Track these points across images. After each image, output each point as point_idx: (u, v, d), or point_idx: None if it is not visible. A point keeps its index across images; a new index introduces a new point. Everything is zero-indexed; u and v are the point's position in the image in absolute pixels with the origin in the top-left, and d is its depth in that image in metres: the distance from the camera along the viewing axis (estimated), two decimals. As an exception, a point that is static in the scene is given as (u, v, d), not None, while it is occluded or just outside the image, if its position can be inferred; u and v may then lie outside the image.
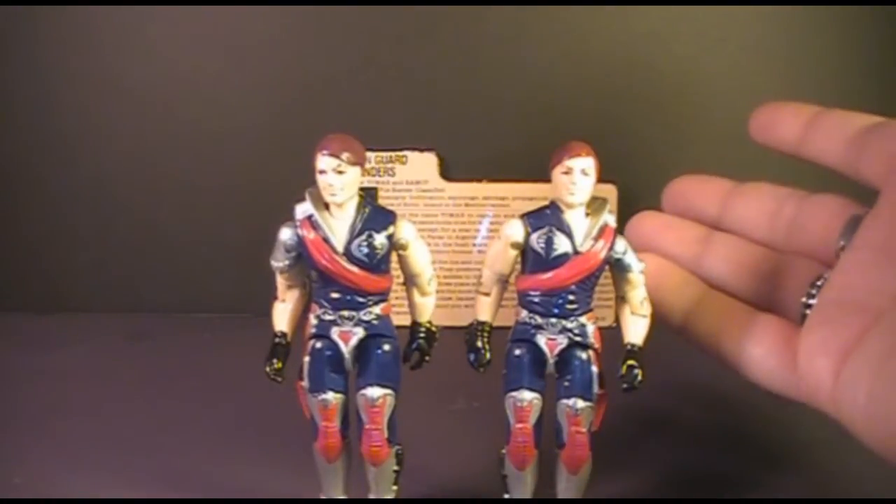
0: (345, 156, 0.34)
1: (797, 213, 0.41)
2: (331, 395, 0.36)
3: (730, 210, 0.43)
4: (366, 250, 0.35)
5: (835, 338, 0.33)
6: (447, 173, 0.63)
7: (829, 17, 0.61)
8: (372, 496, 0.38)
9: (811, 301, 0.36)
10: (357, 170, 0.35)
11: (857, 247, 0.35)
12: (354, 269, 0.35)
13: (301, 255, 0.36)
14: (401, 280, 0.38)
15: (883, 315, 0.32)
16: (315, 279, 0.36)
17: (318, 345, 0.36)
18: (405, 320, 0.38)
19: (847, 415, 0.32)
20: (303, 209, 0.36)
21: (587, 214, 0.36)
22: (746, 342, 0.38)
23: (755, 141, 0.42)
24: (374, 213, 0.36)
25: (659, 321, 0.41)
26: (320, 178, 0.35)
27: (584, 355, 0.36)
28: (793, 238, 0.41)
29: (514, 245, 0.36)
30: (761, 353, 0.37)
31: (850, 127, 0.38)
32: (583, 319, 0.36)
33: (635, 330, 0.37)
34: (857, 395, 0.31)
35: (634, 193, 0.61)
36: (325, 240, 0.35)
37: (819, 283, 0.36)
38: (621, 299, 0.38)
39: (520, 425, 0.36)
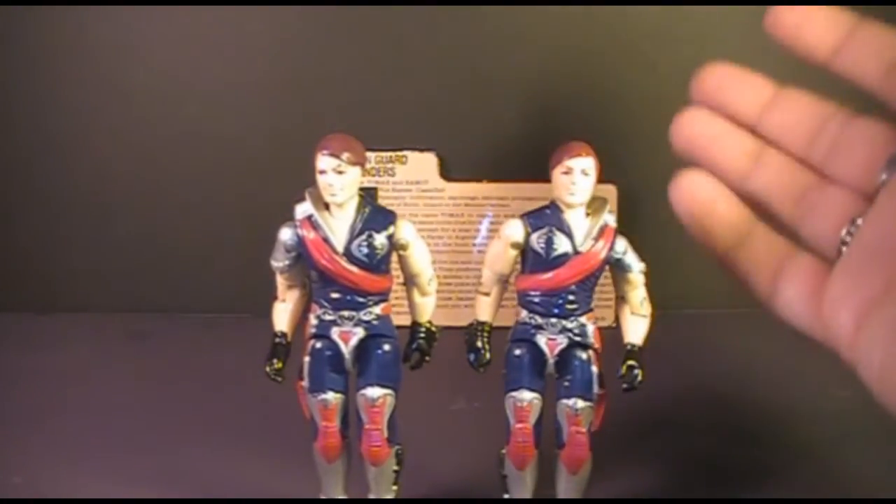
0: (345, 156, 0.34)
1: (839, 135, 0.38)
2: (331, 395, 0.36)
3: (769, 117, 0.41)
4: (366, 250, 0.35)
5: (859, 289, 0.32)
6: (447, 173, 0.63)
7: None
8: (372, 496, 0.38)
9: (847, 239, 0.35)
10: (357, 170, 0.35)
11: (895, 187, 0.33)
12: (354, 269, 0.35)
13: (301, 255, 0.36)
14: (401, 280, 0.38)
15: None
16: (315, 279, 0.36)
17: (319, 345, 0.36)
18: (405, 320, 0.38)
19: (863, 372, 0.31)
20: (303, 209, 0.36)
21: (587, 214, 0.36)
22: (781, 283, 0.37)
23: (774, 39, 0.39)
24: (374, 214, 0.36)
25: (701, 247, 0.39)
26: (320, 178, 0.35)
27: (584, 355, 0.36)
28: (832, 161, 0.38)
29: (514, 245, 0.36)
30: (792, 296, 0.36)
31: (893, 48, 0.36)
32: (583, 319, 0.36)
33: (635, 330, 0.37)
34: (873, 356, 0.31)
35: (634, 193, 0.61)
36: (325, 240, 0.35)
37: (858, 221, 0.35)
38: (621, 299, 0.38)
39: (520, 425, 0.36)
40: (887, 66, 0.36)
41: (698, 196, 0.40)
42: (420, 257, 0.37)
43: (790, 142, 0.40)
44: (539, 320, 0.36)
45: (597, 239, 0.36)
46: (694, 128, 0.41)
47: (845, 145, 0.38)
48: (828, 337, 0.34)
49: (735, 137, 0.41)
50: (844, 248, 0.35)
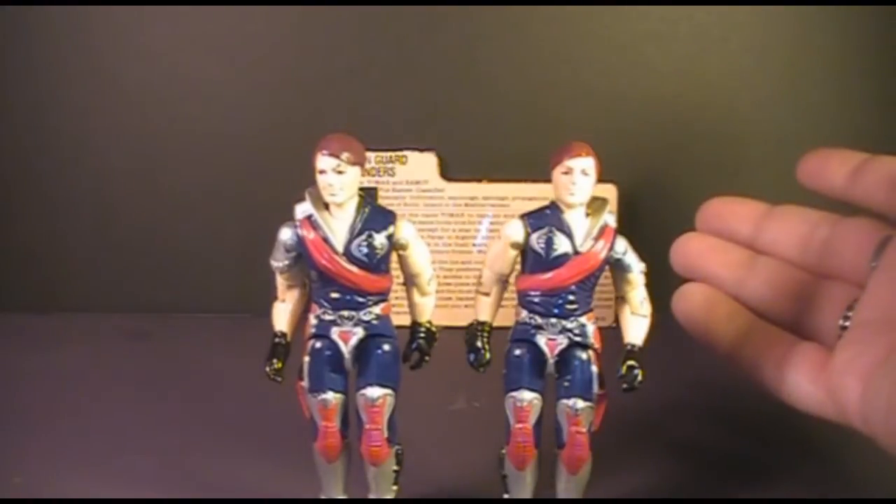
0: (344, 156, 0.34)
1: (830, 236, 0.42)
2: (330, 395, 0.36)
3: (763, 232, 0.45)
4: (365, 250, 0.35)
5: (862, 356, 0.34)
6: (447, 173, 0.63)
7: (829, 17, 0.61)
8: (372, 496, 0.38)
9: (846, 324, 0.37)
10: (357, 170, 0.35)
11: (885, 267, 0.36)
12: (354, 268, 0.35)
13: (301, 254, 0.36)
14: (401, 280, 0.38)
15: None
16: (315, 279, 0.36)
17: (318, 345, 0.36)
18: (405, 320, 0.38)
19: (873, 428, 0.33)
20: (302, 209, 0.36)
21: (587, 214, 0.36)
22: (785, 369, 0.39)
23: (803, 186, 0.44)
24: (373, 213, 0.36)
25: (707, 349, 0.43)
26: (320, 178, 0.35)
27: (584, 355, 0.36)
28: (826, 260, 0.42)
29: (514, 245, 0.36)
30: (798, 378, 0.38)
31: (893, 172, 0.39)
32: (583, 319, 0.36)
33: (635, 330, 0.37)
34: (878, 407, 0.32)
35: (634, 193, 0.61)
36: (325, 240, 0.35)
37: (854, 306, 0.37)
38: (621, 299, 0.38)
39: (520, 425, 0.36)
40: (889, 187, 0.39)
41: (697, 302, 0.44)
42: (420, 257, 0.37)
43: (784, 250, 0.44)
44: (539, 320, 0.36)
45: (597, 239, 0.36)
46: (689, 246, 0.46)
47: (835, 244, 0.41)
48: (837, 409, 0.35)
49: (728, 250, 0.46)
50: (843, 333, 0.37)
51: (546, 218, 0.36)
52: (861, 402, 0.33)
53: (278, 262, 0.37)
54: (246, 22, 0.61)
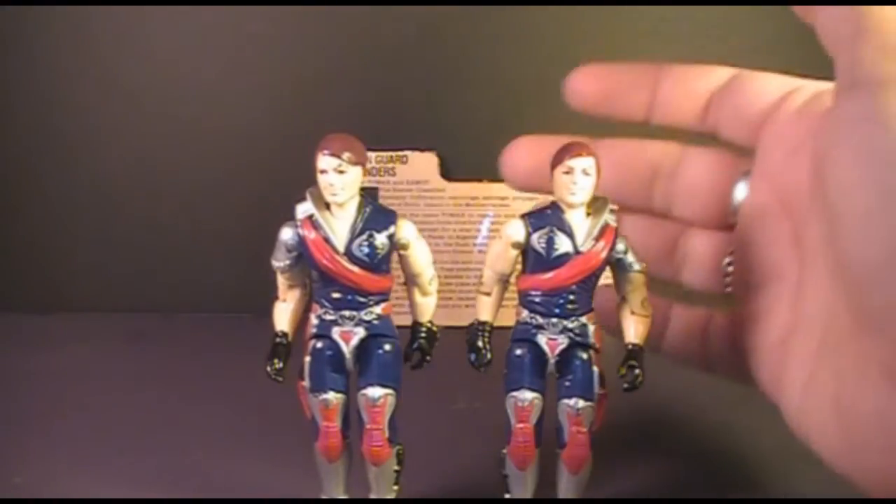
0: (346, 155, 0.34)
1: (677, 171, 0.40)
2: (332, 395, 0.36)
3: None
4: (367, 250, 0.35)
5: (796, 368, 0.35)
6: (447, 173, 0.63)
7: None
8: (373, 496, 0.38)
9: (729, 270, 0.37)
10: (358, 169, 0.35)
11: (748, 222, 0.36)
12: (355, 268, 0.35)
13: (302, 254, 0.36)
14: (401, 280, 0.38)
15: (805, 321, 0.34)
16: (316, 279, 0.36)
17: (319, 345, 0.36)
18: (406, 320, 0.38)
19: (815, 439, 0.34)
20: (303, 209, 0.36)
21: (588, 214, 0.36)
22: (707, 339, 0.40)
23: (576, 109, 0.40)
24: (374, 213, 0.36)
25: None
26: (321, 178, 0.35)
27: (584, 355, 0.36)
28: (677, 205, 0.40)
29: (515, 245, 0.36)
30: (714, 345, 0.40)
31: (698, 87, 0.38)
32: (584, 319, 0.36)
33: (636, 330, 0.37)
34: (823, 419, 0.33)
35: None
36: (326, 239, 0.35)
37: (728, 260, 0.37)
38: (622, 299, 0.38)
39: (521, 425, 0.36)
40: (699, 103, 0.37)
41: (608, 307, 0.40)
42: (421, 257, 0.37)
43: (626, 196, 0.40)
44: (540, 320, 0.36)
45: (597, 239, 0.36)
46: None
47: (686, 181, 0.39)
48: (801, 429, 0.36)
49: None
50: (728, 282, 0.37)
51: (547, 218, 0.36)
52: (801, 404, 0.34)
53: (279, 261, 0.37)
54: (246, 22, 0.61)
